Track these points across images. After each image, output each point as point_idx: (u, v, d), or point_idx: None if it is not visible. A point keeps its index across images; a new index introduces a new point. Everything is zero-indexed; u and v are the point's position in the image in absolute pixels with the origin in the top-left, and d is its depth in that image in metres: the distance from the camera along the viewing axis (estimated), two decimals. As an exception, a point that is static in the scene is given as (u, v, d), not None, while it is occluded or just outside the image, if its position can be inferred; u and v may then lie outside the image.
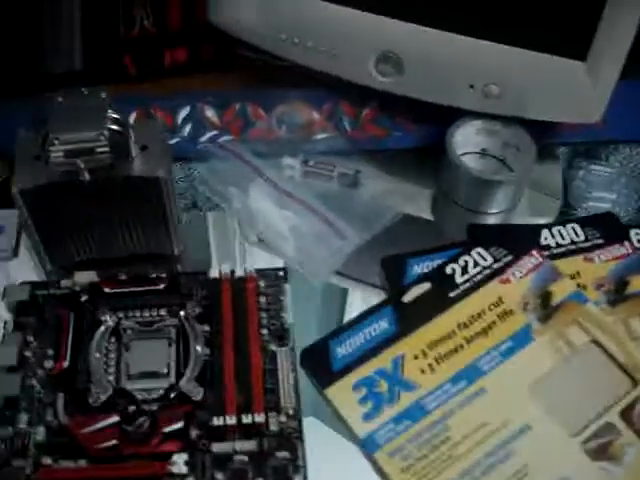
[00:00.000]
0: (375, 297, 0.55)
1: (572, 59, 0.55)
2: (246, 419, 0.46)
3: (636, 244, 0.57)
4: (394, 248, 0.57)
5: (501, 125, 0.61)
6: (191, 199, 0.61)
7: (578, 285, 0.54)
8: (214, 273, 0.53)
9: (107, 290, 0.52)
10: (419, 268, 0.55)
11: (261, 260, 0.57)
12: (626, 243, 0.56)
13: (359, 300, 0.56)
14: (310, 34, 0.61)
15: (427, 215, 0.61)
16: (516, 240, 0.56)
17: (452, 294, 0.53)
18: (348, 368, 0.50)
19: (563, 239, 0.57)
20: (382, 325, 0.52)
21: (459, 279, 0.54)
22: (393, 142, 0.64)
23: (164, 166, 0.49)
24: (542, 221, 0.61)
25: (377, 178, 0.61)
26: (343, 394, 0.49)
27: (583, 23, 0.53)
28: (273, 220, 0.57)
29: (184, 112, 0.63)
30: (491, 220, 0.61)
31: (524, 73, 0.57)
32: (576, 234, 0.57)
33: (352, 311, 0.55)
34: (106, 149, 0.46)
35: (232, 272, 0.53)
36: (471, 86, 0.58)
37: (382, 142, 0.64)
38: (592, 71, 0.55)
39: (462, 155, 0.61)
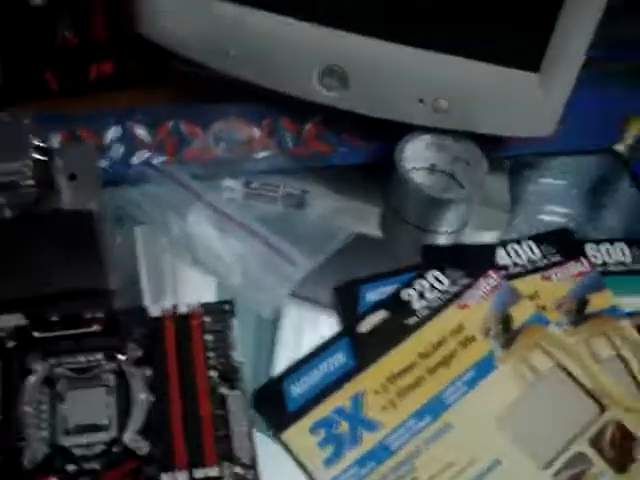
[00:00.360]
0: (328, 324, 0.52)
1: (525, 70, 0.53)
2: (198, 474, 0.42)
3: (592, 260, 0.55)
4: (345, 269, 0.54)
5: (451, 140, 0.59)
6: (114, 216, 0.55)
7: (538, 306, 0.52)
8: (155, 310, 0.49)
9: (36, 334, 0.47)
10: (374, 294, 0.52)
11: (195, 284, 0.53)
12: (583, 259, 0.55)
13: (311, 328, 0.53)
14: (248, 46, 0.57)
15: (378, 235, 0.59)
16: (472, 261, 0.54)
17: (410, 322, 0.51)
18: (305, 408, 0.47)
19: (519, 258, 0.55)
20: (339, 359, 0.49)
21: (416, 305, 0.51)
22: (339, 158, 0.60)
23: (95, 197, 0.45)
24: (492, 236, 0.60)
25: (324, 197, 0.58)
26: (300, 438, 0.46)
27: (536, 33, 0.51)
28: (215, 247, 0.53)
29: (113, 132, 0.58)
30: (443, 239, 0.58)
31: (474, 86, 0.54)
32: (532, 252, 0.55)
33: (304, 341, 0.51)
34: (30, 182, 0.41)
35: (174, 307, 0.49)
36: (420, 100, 0.56)
37: (327, 159, 0.60)
38: (545, 83, 0.53)
39: (411, 170, 0.58)
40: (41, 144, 0.42)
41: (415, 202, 0.57)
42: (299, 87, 0.58)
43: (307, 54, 0.56)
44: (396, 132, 0.58)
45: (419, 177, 0.60)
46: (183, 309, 0.49)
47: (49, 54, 0.61)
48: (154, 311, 0.49)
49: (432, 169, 0.61)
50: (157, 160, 0.58)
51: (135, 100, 0.61)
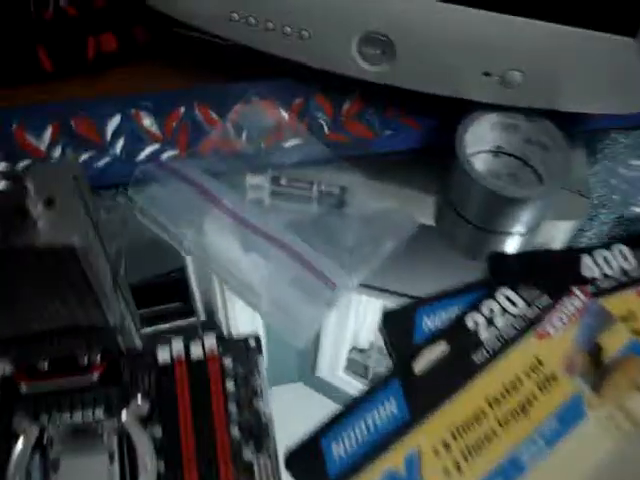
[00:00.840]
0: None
1: (619, 35, 0.42)
2: None
3: (701, 267, 0.45)
4: (394, 278, 0.45)
5: (522, 118, 0.48)
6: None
7: (634, 331, 0.42)
8: (163, 354, 0.40)
9: (25, 388, 0.39)
10: (431, 321, 0.43)
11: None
12: (689, 268, 0.44)
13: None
14: (272, 12, 0.46)
15: (433, 238, 0.49)
16: (551, 273, 0.44)
17: (477, 357, 0.41)
18: (349, 472, 0.38)
19: (610, 267, 0.45)
20: (388, 408, 0.40)
21: (484, 334, 0.42)
22: (384, 144, 0.50)
23: (80, 226, 0.36)
24: (569, 227, 0.50)
25: (369, 194, 0.48)
26: (345, 512, 0.37)
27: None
28: (237, 264, 0.44)
29: (115, 122, 0.49)
30: (512, 242, 0.48)
31: (556, 55, 0.43)
32: (625, 259, 0.45)
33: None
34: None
35: (187, 347, 0.40)
36: (486, 74, 0.45)
37: (371, 145, 0.50)
38: (645, 50, 0.42)
39: (474, 155, 0.48)
40: (4, 168, 0.33)
41: (480, 199, 0.47)
42: (334, 60, 0.47)
43: (343, 19, 0.46)
44: (453, 110, 0.47)
45: (482, 163, 0.50)
46: (198, 351, 0.40)
47: (40, 27, 0.51)
48: (162, 355, 0.40)
49: (497, 152, 0.50)
50: (167, 155, 0.48)
51: (141, 81, 0.51)
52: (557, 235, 0.51)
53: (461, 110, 0.47)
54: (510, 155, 0.50)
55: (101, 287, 0.39)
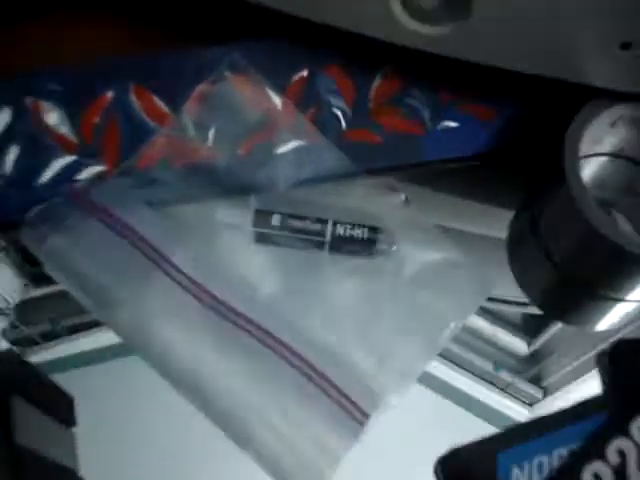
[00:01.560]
0: None
1: None
2: None
3: None
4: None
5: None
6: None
7: None
8: None
9: None
10: (525, 474, 0.26)
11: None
12: None
13: None
14: None
15: (510, 302, 0.31)
16: None
17: None
18: None
19: None
20: None
21: (614, 502, 0.25)
22: (439, 146, 0.31)
23: None
24: None
25: (416, 236, 0.30)
26: None
27: None
28: (198, 373, 0.26)
29: (2, 120, 0.30)
30: (625, 309, 0.31)
31: None
32: None
33: None
34: None
35: None
36: (624, 45, 0.26)
37: (417, 148, 0.31)
38: None
39: (582, 159, 0.30)
40: None
41: (589, 248, 0.29)
42: (360, 16, 0.28)
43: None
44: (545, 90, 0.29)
45: (591, 169, 0.32)
46: None
47: None
48: None
49: (616, 156, 0.32)
50: (87, 173, 0.30)
51: (48, 47, 0.32)
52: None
53: (559, 91, 0.29)
54: (630, 159, 0.32)
55: None
